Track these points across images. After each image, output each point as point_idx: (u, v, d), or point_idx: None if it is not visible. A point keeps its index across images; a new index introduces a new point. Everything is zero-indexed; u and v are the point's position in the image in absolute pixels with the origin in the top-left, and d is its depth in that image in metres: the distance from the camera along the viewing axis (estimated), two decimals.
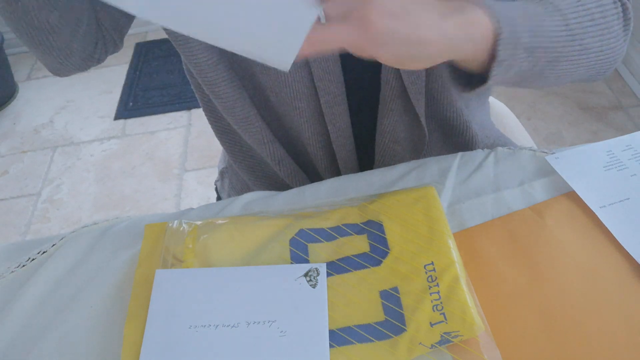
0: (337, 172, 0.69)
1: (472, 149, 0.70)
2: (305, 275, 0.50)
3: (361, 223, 0.54)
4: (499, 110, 0.90)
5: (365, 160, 0.70)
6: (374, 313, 0.47)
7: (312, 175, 0.72)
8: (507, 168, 0.59)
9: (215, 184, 0.88)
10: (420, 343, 0.44)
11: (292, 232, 0.54)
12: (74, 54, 0.59)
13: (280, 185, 0.72)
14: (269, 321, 0.47)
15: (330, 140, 0.66)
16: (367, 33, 0.39)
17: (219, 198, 0.86)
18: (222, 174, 0.84)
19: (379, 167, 0.67)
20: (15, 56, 2.31)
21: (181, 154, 1.83)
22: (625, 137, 0.60)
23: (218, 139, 0.75)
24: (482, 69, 0.47)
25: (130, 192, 1.72)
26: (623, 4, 0.51)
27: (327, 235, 0.53)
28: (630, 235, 0.50)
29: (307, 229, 0.54)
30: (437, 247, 0.50)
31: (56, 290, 0.53)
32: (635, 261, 0.49)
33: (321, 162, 0.69)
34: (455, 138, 0.69)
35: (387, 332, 0.46)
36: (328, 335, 0.46)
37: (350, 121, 0.64)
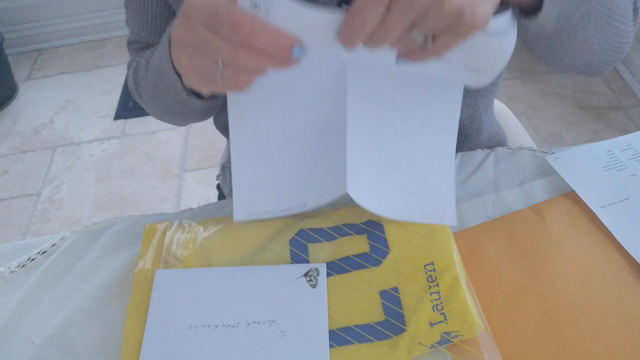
0: None
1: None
2: (305, 275, 0.50)
3: (361, 223, 0.54)
4: (499, 110, 0.90)
5: None
6: (374, 313, 0.47)
7: None
8: (507, 168, 0.59)
9: (217, 179, 0.88)
10: (420, 343, 0.44)
11: (292, 232, 0.54)
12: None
13: None
14: (269, 321, 0.47)
15: None
16: None
17: (220, 193, 0.87)
18: (223, 168, 0.84)
19: None
20: (15, 56, 2.31)
21: (181, 154, 1.83)
22: (625, 137, 0.60)
23: (223, 134, 0.75)
24: (530, 3, 0.46)
25: (130, 192, 1.72)
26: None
27: (327, 235, 0.53)
28: (630, 235, 0.50)
29: (307, 229, 0.54)
30: (437, 247, 0.50)
31: (56, 290, 0.53)
32: (635, 261, 0.49)
33: None
34: (462, 142, 0.69)
35: (387, 332, 0.46)
36: (328, 335, 0.46)
37: None
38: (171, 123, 0.67)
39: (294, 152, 0.52)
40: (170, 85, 0.53)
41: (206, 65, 0.41)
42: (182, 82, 0.50)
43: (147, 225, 0.57)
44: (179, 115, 0.61)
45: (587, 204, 0.54)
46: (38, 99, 2.13)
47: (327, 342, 0.45)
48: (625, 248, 0.50)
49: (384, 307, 0.48)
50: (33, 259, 0.57)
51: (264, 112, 0.51)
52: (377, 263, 0.51)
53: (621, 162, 0.57)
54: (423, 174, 0.52)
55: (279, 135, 0.52)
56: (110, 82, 2.17)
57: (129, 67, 0.66)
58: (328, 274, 0.50)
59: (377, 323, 0.47)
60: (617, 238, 0.50)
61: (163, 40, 0.52)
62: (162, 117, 0.65)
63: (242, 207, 0.52)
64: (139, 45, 0.65)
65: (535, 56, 0.54)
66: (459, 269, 0.48)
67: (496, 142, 0.76)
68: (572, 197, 0.55)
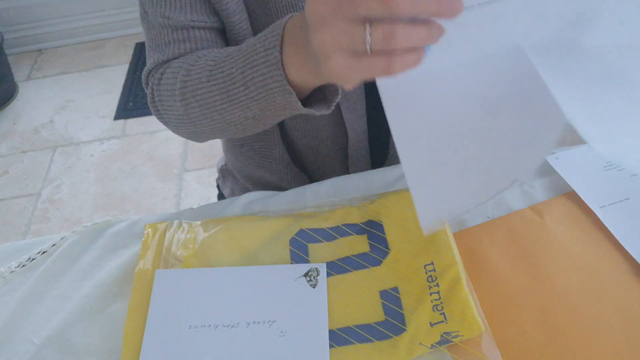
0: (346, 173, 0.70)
1: None
2: (305, 275, 0.50)
3: (361, 223, 0.54)
4: None
5: (377, 159, 0.71)
6: (374, 313, 0.47)
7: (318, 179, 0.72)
8: None
9: (217, 182, 0.88)
10: (420, 343, 0.44)
11: (292, 232, 0.54)
12: None
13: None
14: (269, 321, 0.47)
15: (347, 145, 0.67)
16: None
17: (220, 193, 0.87)
18: (222, 172, 0.84)
19: (391, 164, 0.68)
20: (15, 56, 2.31)
21: (181, 154, 1.83)
22: None
23: (223, 144, 0.75)
24: None
25: (130, 192, 1.72)
26: None
27: (327, 235, 0.53)
28: (630, 235, 0.50)
29: (307, 229, 0.54)
30: (437, 247, 0.50)
31: (56, 290, 0.53)
32: (635, 261, 0.49)
33: (333, 164, 0.69)
34: None
35: (387, 332, 0.46)
36: (328, 335, 0.46)
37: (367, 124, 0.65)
38: (194, 138, 0.60)
39: (462, 148, 0.44)
40: (260, 97, 0.47)
41: (352, 32, 0.34)
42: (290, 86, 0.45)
43: (147, 225, 0.57)
44: (226, 131, 0.54)
45: (587, 204, 0.54)
46: (38, 99, 2.13)
47: (327, 342, 0.45)
48: (625, 248, 0.50)
49: (384, 307, 0.48)
50: (33, 259, 0.57)
51: (427, 115, 0.42)
52: (377, 263, 0.51)
53: None
54: None
55: (444, 134, 0.43)
56: (110, 82, 2.17)
57: (155, 68, 0.59)
58: (328, 274, 0.50)
59: (377, 323, 0.46)
60: (617, 238, 0.50)
61: (252, 47, 0.46)
62: (194, 132, 0.58)
63: (428, 216, 0.45)
64: (167, 30, 0.58)
65: None
66: (459, 268, 0.48)
67: None
68: (572, 197, 0.55)
